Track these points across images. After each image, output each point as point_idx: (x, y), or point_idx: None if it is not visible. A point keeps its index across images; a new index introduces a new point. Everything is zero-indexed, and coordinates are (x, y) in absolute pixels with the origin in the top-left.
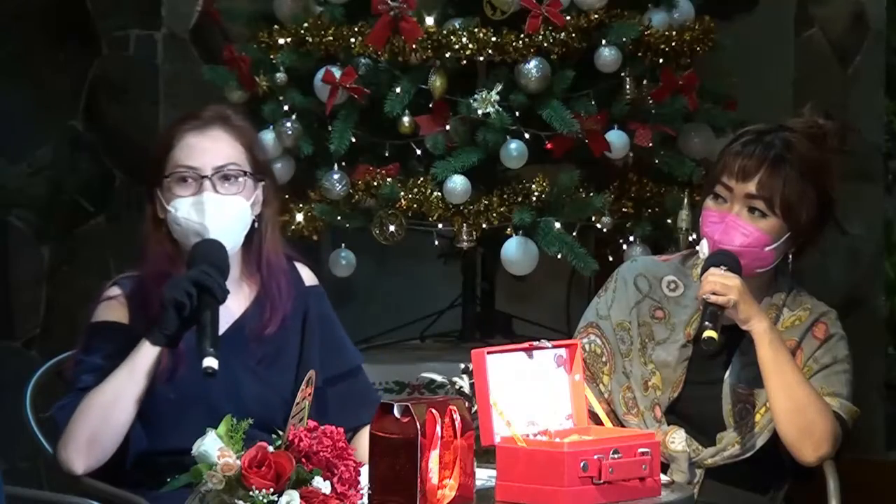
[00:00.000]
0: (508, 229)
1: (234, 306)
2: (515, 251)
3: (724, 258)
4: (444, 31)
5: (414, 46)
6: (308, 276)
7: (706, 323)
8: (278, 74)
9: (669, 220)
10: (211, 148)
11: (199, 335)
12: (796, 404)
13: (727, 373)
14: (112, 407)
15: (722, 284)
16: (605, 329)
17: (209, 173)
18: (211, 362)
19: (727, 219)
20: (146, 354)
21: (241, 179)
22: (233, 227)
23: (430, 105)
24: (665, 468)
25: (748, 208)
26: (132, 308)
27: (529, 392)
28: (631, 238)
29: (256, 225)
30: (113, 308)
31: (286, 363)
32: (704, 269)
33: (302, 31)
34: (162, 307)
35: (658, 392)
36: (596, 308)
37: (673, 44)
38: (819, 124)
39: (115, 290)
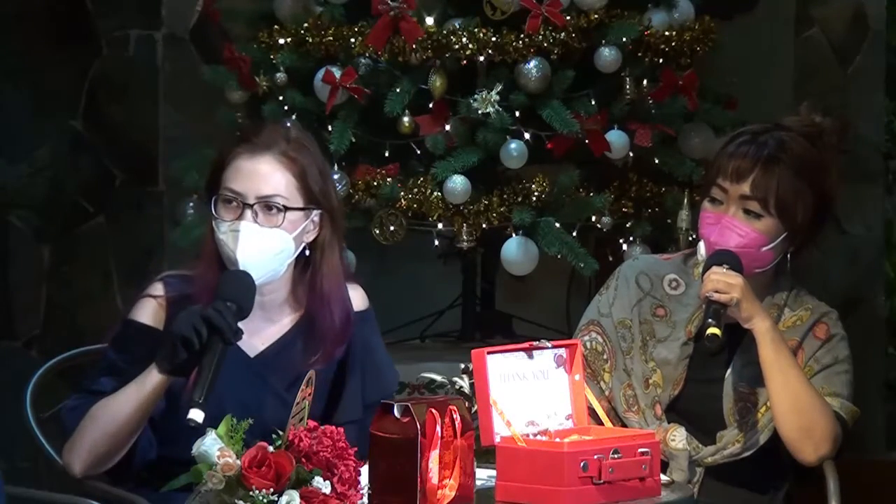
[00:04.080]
0: (508, 229)
1: (273, 330)
2: (515, 251)
3: (725, 257)
4: (444, 31)
5: (414, 46)
6: (359, 300)
7: (709, 320)
8: (278, 74)
9: (669, 220)
10: (258, 176)
11: (195, 380)
12: (797, 404)
13: (728, 371)
14: (114, 425)
15: (725, 283)
16: (606, 327)
17: (252, 202)
18: (195, 415)
19: (723, 220)
20: (154, 381)
21: (284, 213)
22: (265, 260)
23: (430, 105)
24: (665, 467)
25: (744, 209)
26: (171, 313)
27: (529, 392)
28: (631, 238)
29: (308, 252)
30: (151, 309)
31: (317, 391)
32: (706, 269)
33: (302, 31)
34: (170, 339)
35: (659, 390)
36: (597, 306)
37: (673, 44)
38: (815, 122)
39: (158, 289)
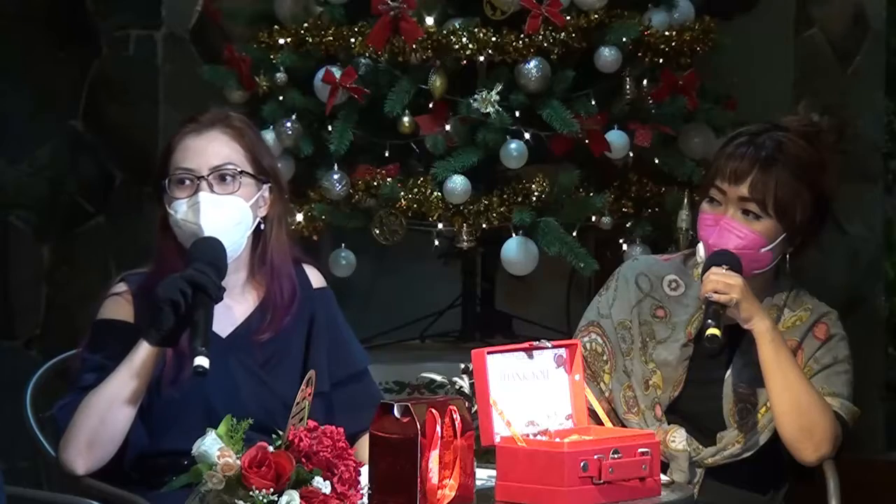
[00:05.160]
0: (508, 229)
1: (240, 310)
2: (515, 251)
3: (725, 257)
4: (444, 31)
5: (414, 46)
6: (316, 279)
7: (709, 321)
8: (278, 74)
9: (669, 220)
10: (207, 149)
11: (191, 334)
12: (797, 404)
13: (728, 372)
14: (110, 408)
15: (724, 283)
16: (606, 328)
17: (205, 174)
18: (202, 361)
19: (721, 222)
20: (144, 354)
21: (238, 179)
22: (229, 226)
23: (430, 105)
24: (665, 468)
25: (742, 211)
26: (137, 306)
27: (529, 392)
28: (631, 238)
29: (262, 227)
30: (118, 305)
31: (289, 367)
32: (706, 269)
33: (302, 31)
34: (157, 306)
35: (659, 391)
36: (597, 307)
37: (673, 44)
38: (814, 122)
39: (121, 287)
